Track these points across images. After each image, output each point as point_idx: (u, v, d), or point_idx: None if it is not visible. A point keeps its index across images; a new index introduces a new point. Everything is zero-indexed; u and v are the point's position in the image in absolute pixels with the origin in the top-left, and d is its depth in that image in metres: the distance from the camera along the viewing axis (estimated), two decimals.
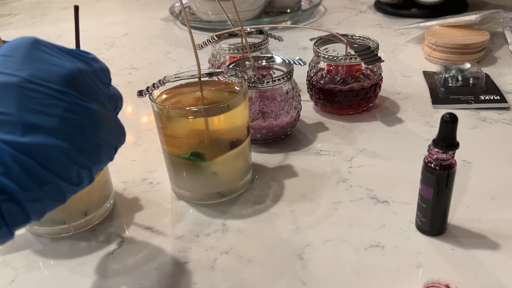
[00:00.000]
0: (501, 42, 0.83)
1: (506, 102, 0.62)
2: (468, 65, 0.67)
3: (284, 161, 0.54)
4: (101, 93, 0.31)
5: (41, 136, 0.25)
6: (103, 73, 0.32)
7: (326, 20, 1.05)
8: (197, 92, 0.48)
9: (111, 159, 0.32)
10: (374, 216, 0.44)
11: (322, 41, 0.62)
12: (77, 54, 0.31)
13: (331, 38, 0.62)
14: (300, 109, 0.57)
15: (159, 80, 0.46)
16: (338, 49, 0.62)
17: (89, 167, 0.28)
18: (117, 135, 0.32)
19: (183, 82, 0.48)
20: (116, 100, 0.33)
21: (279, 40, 0.66)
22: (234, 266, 0.40)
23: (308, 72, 0.63)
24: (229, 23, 0.62)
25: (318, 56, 0.60)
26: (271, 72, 0.58)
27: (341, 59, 0.58)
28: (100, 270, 0.40)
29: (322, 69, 0.60)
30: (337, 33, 0.61)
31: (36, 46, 0.28)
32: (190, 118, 0.44)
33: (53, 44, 0.30)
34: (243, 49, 0.60)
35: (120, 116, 0.34)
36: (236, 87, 0.49)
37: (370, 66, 0.60)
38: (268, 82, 0.52)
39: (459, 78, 0.66)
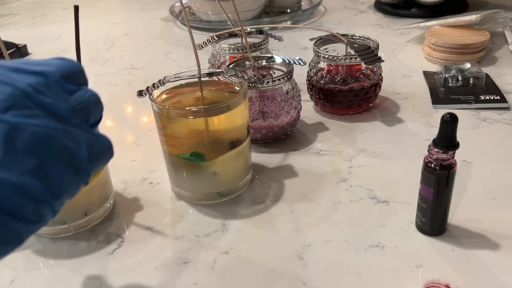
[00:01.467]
0: (501, 42, 0.83)
1: (506, 102, 0.62)
2: (468, 65, 0.67)
3: (284, 161, 0.53)
4: (58, 107, 0.25)
5: None
6: (67, 79, 0.26)
7: (326, 20, 1.05)
8: (197, 92, 0.48)
9: (85, 182, 0.26)
10: (374, 216, 0.44)
11: (322, 41, 0.62)
12: (23, 68, 0.25)
13: (331, 38, 0.62)
14: (300, 109, 0.57)
15: (159, 80, 0.46)
16: (338, 49, 0.62)
17: (48, 202, 0.23)
18: (93, 154, 0.26)
19: (183, 82, 0.48)
20: (86, 109, 0.27)
21: (279, 40, 0.66)
22: (234, 266, 0.39)
23: (308, 72, 0.63)
24: (229, 23, 0.62)
25: (318, 56, 0.60)
26: (271, 72, 0.58)
27: (341, 59, 0.58)
28: (100, 270, 0.40)
29: (322, 69, 0.60)
30: (337, 33, 0.61)
31: None
32: (190, 118, 0.44)
33: None
34: (243, 49, 0.60)
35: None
36: (236, 87, 0.49)
37: (370, 66, 0.60)
38: (268, 82, 0.52)
39: (459, 78, 0.66)
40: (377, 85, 0.61)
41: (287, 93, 0.54)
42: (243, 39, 0.57)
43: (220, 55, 0.64)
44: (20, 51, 0.90)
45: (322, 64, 0.60)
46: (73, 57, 0.40)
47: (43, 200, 0.23)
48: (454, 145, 0.36)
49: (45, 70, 0.25)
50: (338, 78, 0.59)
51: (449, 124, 0.36)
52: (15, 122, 0.22)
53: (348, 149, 0.55)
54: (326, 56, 0.58)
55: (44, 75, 0.25)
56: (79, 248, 0.43)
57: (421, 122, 0.59)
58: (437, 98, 0.64)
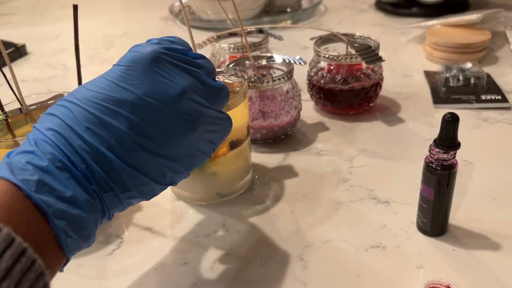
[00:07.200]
0: (502, 42, 0.83)
1: (508, 102, 0.61)
2: (469, 65, 0.67)
3: (284, 161, 0.53)
4: (208, 101, 0.33)
5: (145, 153, 0.29)
6: (209, 74, 0.34)
7: (327, 19, 1.04)
8: None
9: (209, 157, 0.35)
10: (375, 216, 0.44)
11: (322, 40, 0.62)
12: (188, 65, 0.32)
13: (331, 38, 0.62)
14: (301, 109, 0.57)
15: None
16: (339, 49, 0.62)
17: (182, 172, 0.33)
18: (218, 136, 0.35)
19: None
20: (224, 96, 0.35)
21: (279, 40, 0.66)
22: (233, 267, 0.39)
23: (308, 71, 0.63)
24: (228, 22, 0.62)
25: (318, 56, 0.59)
26: (271, 71, 0.58)
27: (342, 58, 0.57)
28: (99, 271, 0.40)
29: (323, 69, 0.60)
30: (337, 32, 0.61)
31: (155, 63, 0.30)
32: None
33: (170, 57, 0.32)
34: (243, 48, 0.60)
35: None
36: (236, 87, 0.48)
37: (371, 66, 0.59)
38: (268, 81, 0.52)
39: (460, 77, 0.66)
40: (377, 85, 0.61)
41: (287, 92, 0.54)
42: (243, 38, 0.57)
43: (220, 54, 0.64)
44: (19, 50, 0.90)
45: (323, 64, 0.60)
46: (72, 56, 0.40)
47: (179, 171, 0.32)
48: (455, 145, 0.36)
49: (199, 71, 0.33)
50: (339, 78, 0.59)
51: (450, 124, 0.35)
52: (176, 117, 0.31)
53: (348, 149, 0.55)
54: (327, 56, 0.58)
55: (199, 76, 0.33)
56: None
57: (422, 122, 0.59)
58: (438, 98, 0.64)
